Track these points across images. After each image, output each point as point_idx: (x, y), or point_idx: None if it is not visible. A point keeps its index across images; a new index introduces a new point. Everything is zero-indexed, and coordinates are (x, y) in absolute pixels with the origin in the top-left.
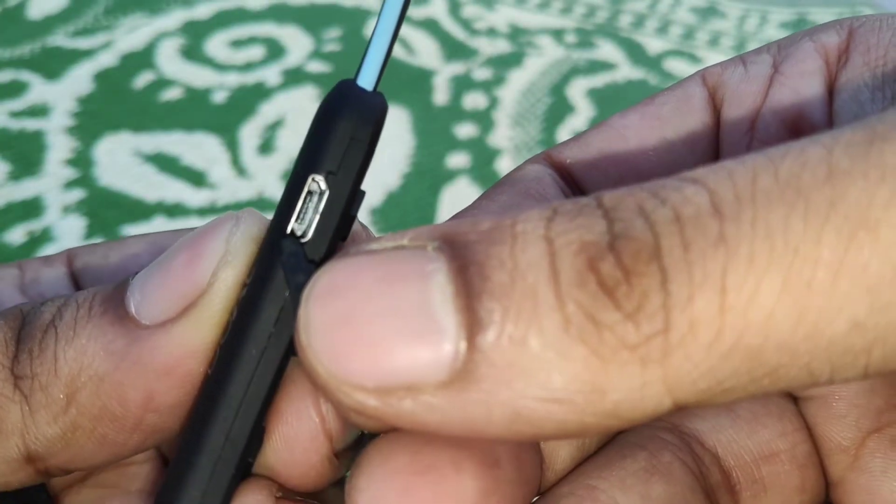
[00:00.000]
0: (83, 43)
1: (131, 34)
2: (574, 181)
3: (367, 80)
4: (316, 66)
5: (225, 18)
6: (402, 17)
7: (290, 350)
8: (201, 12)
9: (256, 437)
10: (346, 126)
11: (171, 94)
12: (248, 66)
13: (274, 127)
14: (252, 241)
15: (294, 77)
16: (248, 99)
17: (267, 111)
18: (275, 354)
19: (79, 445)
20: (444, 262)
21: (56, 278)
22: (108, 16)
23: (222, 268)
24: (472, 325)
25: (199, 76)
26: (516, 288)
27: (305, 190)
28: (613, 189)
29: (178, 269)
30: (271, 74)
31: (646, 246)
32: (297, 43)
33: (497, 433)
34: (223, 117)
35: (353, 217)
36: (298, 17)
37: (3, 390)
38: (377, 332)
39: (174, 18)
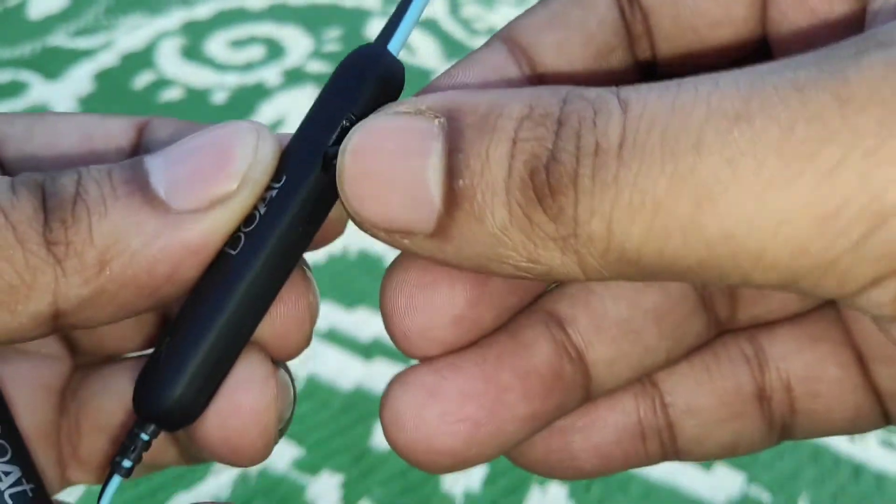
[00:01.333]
0: (83, 43)
1: (131, 34)
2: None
3: (395, 48)
4: (316, 67)
5: (225, 18)
6: None
7: (307, 242)
8: (201, 12)
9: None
10: (380, 84)
11: (172, 94)
12: (248, 67)
13: (274, 127)
14: (275, 152)
15: (294, 77)
16: (248, 99)
17: (267, 111)
18: (299, 246)
19: (101, 307)
20: (441, 142)
21: None
22: (108, 16)
23: (252, 170)
24: (450, 200)
25: (199, 76)
26: (484, 178)
27: (340, 126)
28: (578, 94)
29: (209, 166)
30: (271, 74)
31: (567, 172)
32: (297, 43)
33: (471, 270)
34: (223, 117)
35: None
36: (298, 18)
37: (38, 252)
38: (387, 192)
39: (174, 18)
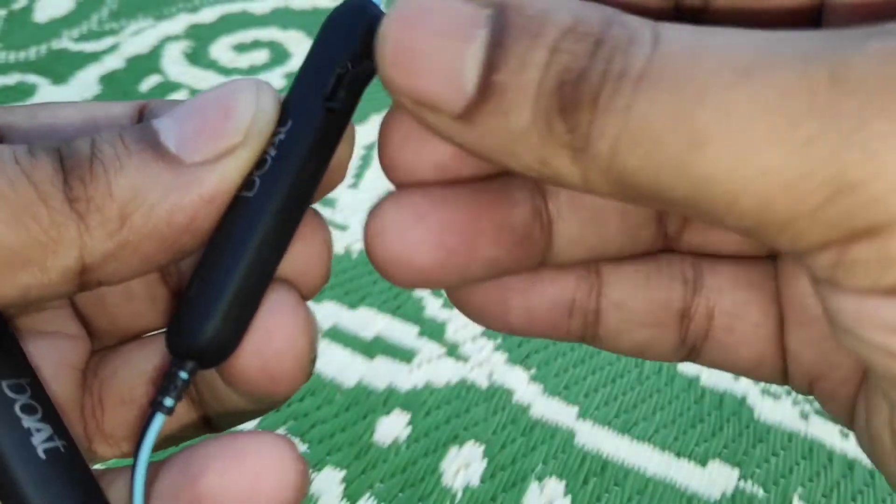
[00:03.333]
0: (89, 46)
1: (137, 37)
2: None
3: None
4: None
5: (229, 23)
6: None
7: (317, 179)
8: (206, 16)
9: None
10: (368, 32)
11: (177, 96)
12: (252, 70)
13: None
14: (275, 101)
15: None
16: None
17: None
18: (311, 183)
19: (125, 260)
20: (486, 33)
21: None
22: (113, 19)
23: (256, 119)
24: (483, 90)
25: (203, 79)
26: (518, 77)
27: (336, 74)
28: (620, 20)
29: (215, 119)
30: (275, 78)
31: (592, 90)
32: (300, 47)
33: (484, 158)
34: None
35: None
36: (302, 22)
37: (62, 209)
38: (424, 65)
39: (179, 22)
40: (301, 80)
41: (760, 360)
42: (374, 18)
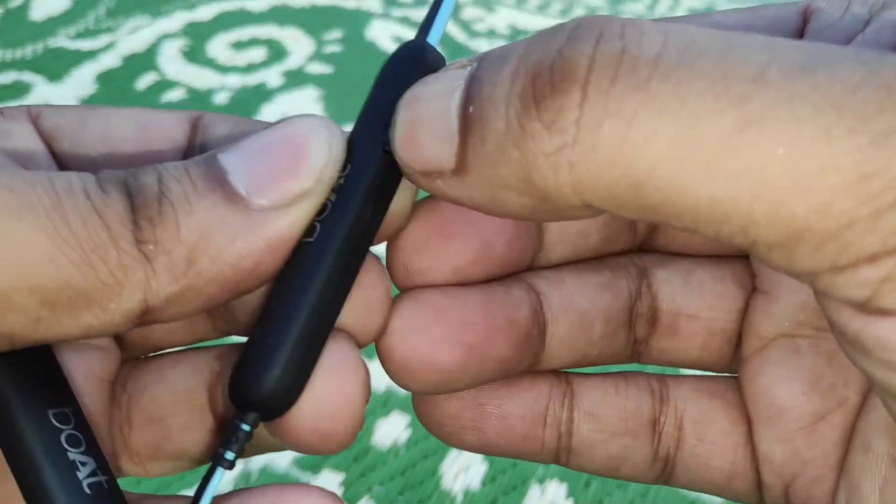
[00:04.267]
0: (86, 44)
1: (133, 35)
2: None
3: (434, 40)
4: (317, 68)
5: (226, 20)
6: None
7: (377, 225)
8: (203, 14)
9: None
10: (426, 73)
11: (174, 95)
12: (249, 68)
13: None
14: (344, 146)
15: (295, 78)
16: (250, 100)
17: (269, 112)
18: (370, 229)
19: (187, 303)
20: (463, 80)
21: (25, 133)
22: (109, 17)
23: (328, 166)
24: (464, 128)
25: (201, 77)
26: (491, 98)
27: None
28: (602, 17)
29: (288, 162)
30: (273, 76)
31: (577, 69)
32: (298, 44)
33: (489, 212)
34: None
35: None
36: (299, 19)
37: (130, 251)
38: (422, 134)
39: (176, 20)
40: (360, 124)
41: (733, 470)
42: (432, 61)
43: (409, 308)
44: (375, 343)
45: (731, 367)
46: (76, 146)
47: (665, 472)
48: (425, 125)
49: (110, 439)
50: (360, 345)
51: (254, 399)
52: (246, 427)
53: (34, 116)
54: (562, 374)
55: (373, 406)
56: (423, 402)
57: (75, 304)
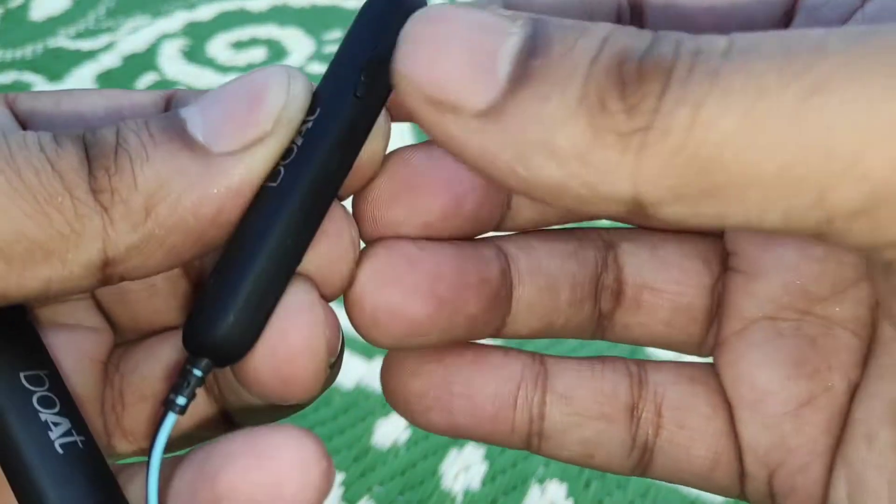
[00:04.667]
0: (85, 44)
1: (133, 35)
2: (640, 13)
3: None
4: (317, 68)
5: (226, 20)
6: None
7: (345, 172)
8: (203, 14)
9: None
10: (404, 20)
11: None
12: (249, 68)
13: None
14: (307, 90)
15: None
16: None
17: None
18: (338, 175)
19: (149, 253)
20: (524, 28)
21: (1, 116)
22: (109, 17)
23: (287, 109)
24: (518, 76)
25: (201, 77)
26: (564, 60)
27: (368, 61)
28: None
29: (245, 108)
30: None
31: (663, 61)
32: (298, 44)
33: (500, 172)
34: None
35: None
36: (300, 19)
37: (86, 201)
38: (449, 58)
39: (176, 20)
40: (332, 69)
41: (715, 459)
42: (411, 8)
43: (381, 257)
44: (343, 294)
45: (699, 348)
46: (50, 126)
47: (643, 461)
48: (459, 50)
49: (103, 418)
50: (325, 297)
51: (206, 345)
52: (198, 372)
53: (10, 101)
54: (535, 355)
55: (373, 406)
56: (389, 379)
57: (32, 255)
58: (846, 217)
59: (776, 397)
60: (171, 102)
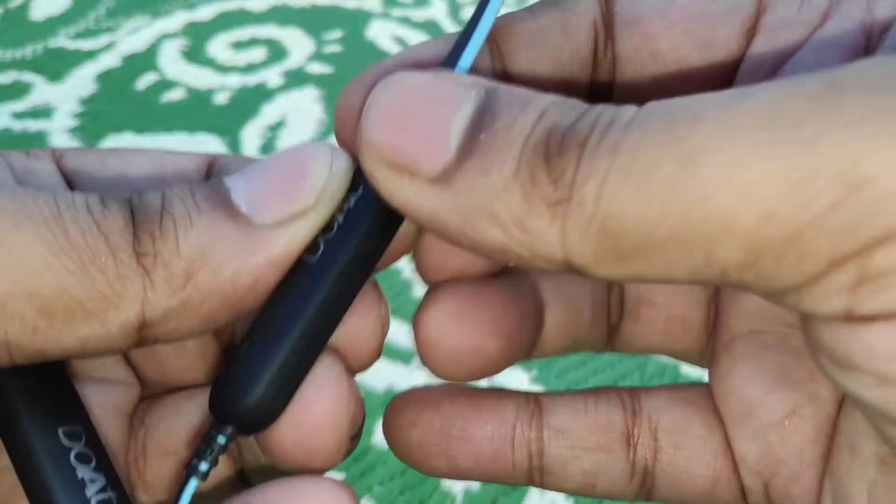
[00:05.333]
0: (85, 44)
1: (133, 35)
2: (608, 23)
3: (462, 69)
4: (317, 68)
5: (226, 20)
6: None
7: (381, 250)
8: (203, 14)
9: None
10: None
11: (174, 95)
12: (249, 68)
13: (276, 128)
14: (349, 167)
15: (295, 78)
16: (250, 100)
17: (269, 112)
18: (374, 254)
19: (186, 318)
20: (475, 101)
21: (48, 173)
22: (109, 17)
23: (329, 183)
24: (465, 149)
25: (201, 77)
26: (505, 135)
27: None
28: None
29: (288, 181)
30: (273, 76)
31: (580, 135)
32: (298, 44)
33: (450, 233)
34: (225, 118)
35: None
36: (300, 19)
37: (128, 263)
38: (407, 127)
39: (176, 20)
40: None
41: (715, 476)
42: None
43: (452, 301)
44: (416, 337)
45: (700, 358)
46: (95, 184)
47: (645, 485)
48: (415, 120)
49: (126, 470)
50: (352, 371)
51: (233, 413)
52: (222, 440)
53: (58, 157)
54: (529, 395)
55: (373, 406)
56: (391, 432)
57: (72, 313)
58: (736, 270)
59: (763, 409)
60: (214, 168)
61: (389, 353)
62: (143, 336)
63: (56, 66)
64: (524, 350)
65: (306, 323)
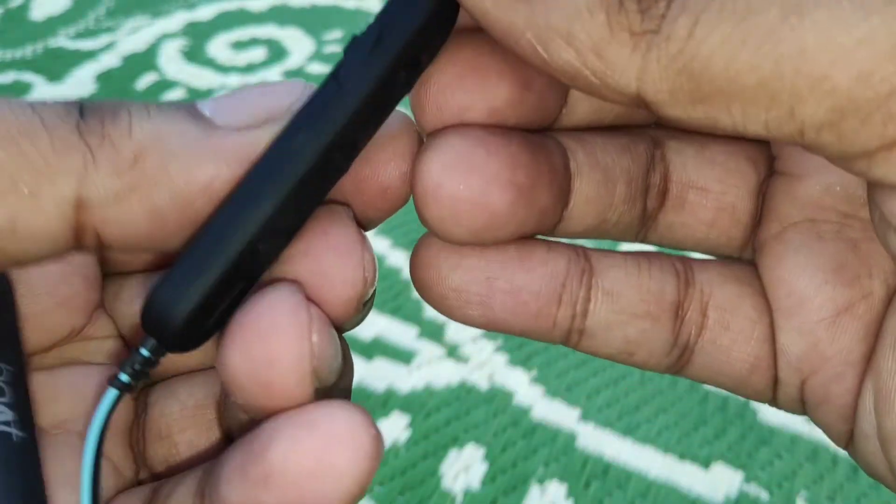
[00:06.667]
0: (85, 44)
1: (133, 35)
2: None
3: None
4: (317, 68)
5: (226, 20)
6: None
7: (350, 158)
8: (203, 14)
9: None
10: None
11: (174, 95)
12: (249, 68)
13: None
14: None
15: (295, 78)
16: None
17: None
18: (343, 158)
19: (130, 210)
20: None
21: None
22: (109, 17)
23: (299, 102)
24: None
25: (200, 77)
26: None
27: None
28: None
29: (257, 96)
30: (273, 76)
31: None
32: (298, 44)
33: (523, 49)
34: None
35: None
36: (300, 19)
37: (67, 138)
38: None
39: (176, 20)
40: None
41: (755, 363)
42: None
43: (455, 145)
44: (413, 188)
45: (741, 253)
46: None
47: (681, 360)
48: None
49: (132, 452)
50: (332, 316)
51: (156, 324)
52: (144, 352)
53: None
54: (580, 249)
55: (373, 406)
56: (424, 271)
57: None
58: (815, 129)
59: (814, 303)
60: None
61: (389, 352)
62: (81, 222)
63: (56, 66)
64: (544, 217)
65: (256, 233)
